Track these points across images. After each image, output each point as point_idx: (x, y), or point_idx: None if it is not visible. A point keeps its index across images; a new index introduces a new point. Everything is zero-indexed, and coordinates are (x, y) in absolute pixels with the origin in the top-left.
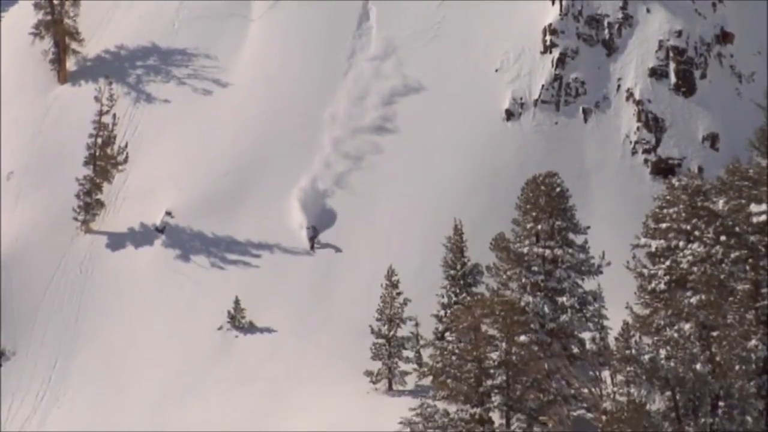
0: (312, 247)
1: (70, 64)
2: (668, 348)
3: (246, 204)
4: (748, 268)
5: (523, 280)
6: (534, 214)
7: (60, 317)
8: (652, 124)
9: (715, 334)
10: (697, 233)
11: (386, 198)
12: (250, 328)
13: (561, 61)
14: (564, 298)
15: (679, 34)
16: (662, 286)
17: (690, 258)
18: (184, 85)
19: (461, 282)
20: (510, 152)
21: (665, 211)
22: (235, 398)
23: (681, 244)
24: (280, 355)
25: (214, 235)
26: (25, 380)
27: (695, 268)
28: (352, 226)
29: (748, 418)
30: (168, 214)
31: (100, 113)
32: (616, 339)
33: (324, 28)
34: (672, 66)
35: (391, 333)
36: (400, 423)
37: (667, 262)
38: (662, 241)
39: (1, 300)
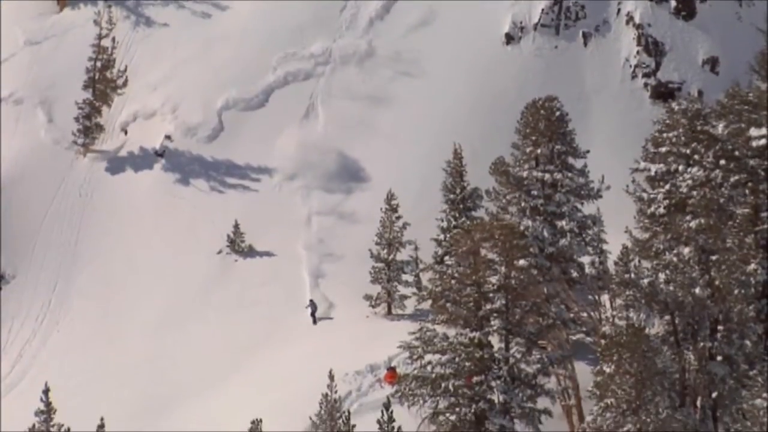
0: (314, 322)
1: None
2: (667, 272)
3: (246, 128)
4: (747, 192)
5: (523, 204)
6: (533, 138)
7: (60, 241)
8: (652, 48)
9: (714, 258)
10: (696, 157)
11: (385, 122)
12: (250, 252)
13: None
14: (563, 222)
15: None
16: (661, 210)
17: (689, 182)
18: (182, 8)
19: (461, 206)
20: (510, 76)
21: (665, 135)
22: (234, 322)
23: (680, 168)
24: (278, 279)
25: (213, 159)
26: (25, 303)
27: (695, 192)
28: (349, 147)
29: (747, 342)
30: (167, 138)
31: (99, 37)
32: (616, 263)
33: None
34: None
35: (391, 257)
36: (399, 347)
37: (667, 186)
38: (662, 165)
39: (0, 223)
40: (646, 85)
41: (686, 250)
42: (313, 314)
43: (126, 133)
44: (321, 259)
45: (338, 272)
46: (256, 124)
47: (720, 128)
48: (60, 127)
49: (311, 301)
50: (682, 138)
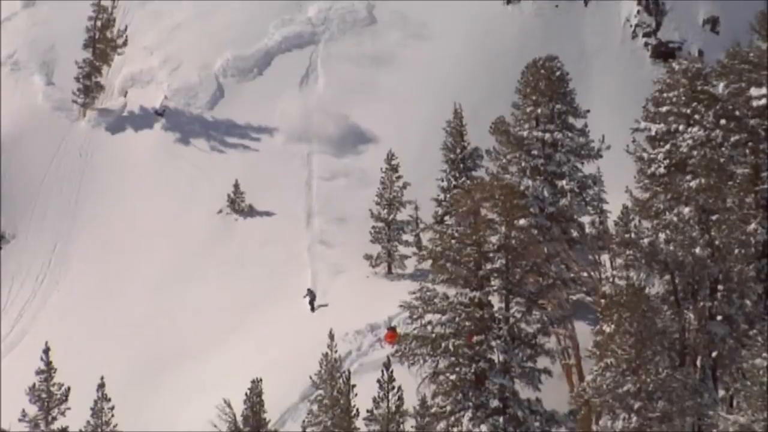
0: (312, 310)
1: None
2: (668, 232)
3: (246, 90)
4: (747, 151)
5: (523, 164)
6: (534, 97)
7: (60, 200)
8: (653, 7)
9: (714, 217)
10: (697, 117)
11: (386, 83)
12: (250, 212)
13: None
14: (564, 182)
15: None
16: (662, 170)
17: (690, 142)
18: None
19: (461, 166)
20: (510, 36)
21: (665, 94)
22: (234, 281)
23: (681, 127)
24: (279, 239)
25: (213, 119)
26: (25, 263)
27: (695, 152)
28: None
29: (747, 302)
30: (167, 98)
31: None
32: (616, 223)
33: None
34: None
35: (391, 217)
36: (400, 306)
37: (667, 146)
38: (662, 125)
39: (0, 183)
40: (646, 44)
41: (686, 210)
42: (311, 302)
43: (126, 93)
44: (321, 218)
45: (338, 232)
46: (256, 85)
47: (720, 88)
48: (60, 87)
49: (309, 290)
50: (683, 98)
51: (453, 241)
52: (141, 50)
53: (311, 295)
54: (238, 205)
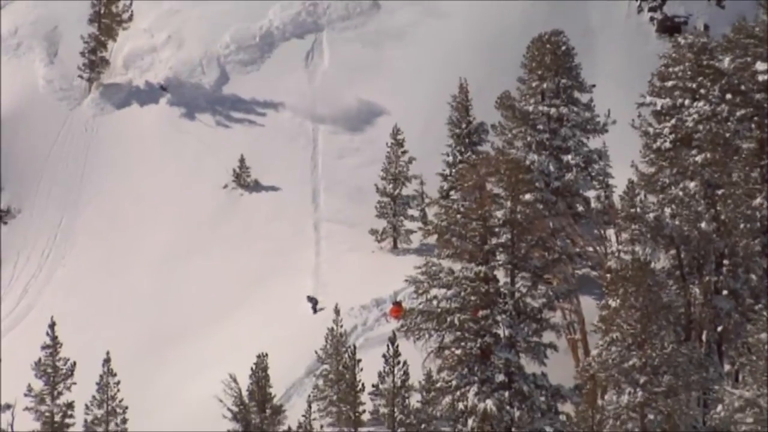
0: (315, 312)
1: None
2: (673, 206)
3: (252, 65)
4: (753, 126)
5: (528, 139)
6: (539, 72)
7: (65, 175)
8: None
9: (720, 192)
10: (702, 91)
11: (391, 59)
12: (255, 187)
13: None
14: (569, 157)
15: None
16: (667, 145)
17: (695, 116)
18: None
19: (466, 140)
20: (516, 11)
21: (671, 69)
22: (239, 256)
23: (686, 102)
24: (284, 213)
25: (219, 94)
26: (30, 238)
27: (700, 127)
28: (356, 82)
29: (753, 276)
30: (172, 72)
31: None
32: (621, 197)
33: None
34: None
35: (396, 191)
36: (405, 281)
37: (673, 121)
38: (668, 100)
39: (4, 158)
40: (652, 19)
41: (692, 185)
42: (313, 307)
43: (130, 69)
44: (327, 193)
45: (344, 207)
46: (262, 62)
47: (726, 62)
48: (65, 63)
49: (309, 297)
50: (688, 72)
51: (458, 216)
52: (142, 32)
53: (313, 301)
54: (243, 180)
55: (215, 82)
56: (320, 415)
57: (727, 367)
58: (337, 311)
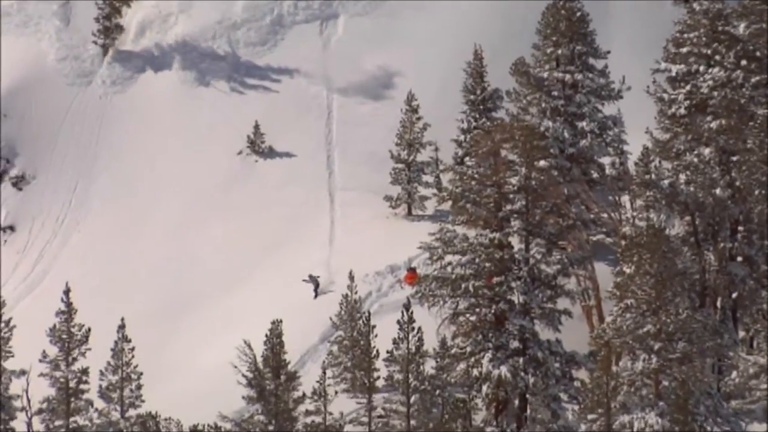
0: (316, 296)
1: None
2: (688, 173)
3: (266, 30)
4: None
5: (543, 105)
6: (554, 38)
7: (80, 141)
8: None
9: (735, 158)
10: (717, 57)
11: (406, 25)
12: (270, 153)
13: None
14: (584, 123)
15: None
16: (682, 111)
17: (710, 82)
18: None
19: (481, 107)
20: None
21: (686, 35)
22: (255, 222)
23: (701, 68)
24: (299, 179)
25: (233, 60)
26: (45, 204)
27: (715, 93)
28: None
29: (767, 243)
30: (185, 37)
31: None
32: (636, 164)
33: None
34: None
35: (411, 158)
36: (420, 248)
37: (688, 87)
38: (683, 66)
39: (17, 123)
40: None
41: (707, 151)
42: (315, 289)
43: (144, 34)
44: (341, 159)
45: (358, 173)
46: (276, 29)
47: (741, 28)
48: (79, 28)
49: (311, 276)
50: (703, 38)
51: (473, 183)
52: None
53: (314, 281)
54: (258, 146)
55: (229, 48)
56: (335, 381)
57: (741, 334)
58: (351, 277)
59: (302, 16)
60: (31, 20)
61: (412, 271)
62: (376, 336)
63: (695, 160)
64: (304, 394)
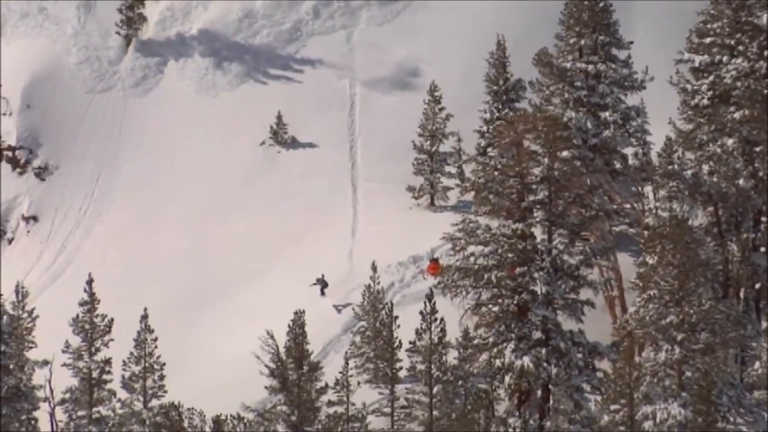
0: (323, 294)
1: None
2: (711, 163)
3: (289, 20)
4: None
5: (566, 96)
6: (577, 29)
7: (102, 132)
8: None
9: (758, 149)
10: (740, 48)
11: (428, 14)
12: (293, 143)
13: None
14: (607, 114)
15: None
16: (705, 102)
17: (733, 73)
18: None
19: (504, 97)
20: None
21: (709, 25)
22: (277, 213)
23: (725, 59)
24: (322, 170)
25: (256, 50)
26: (68, 195)
27: (739, 83)
28: (393, 40)
29: None
30: (208, 27)
31: None
32: (659, 154)
33: None
34: None
35: (434, 148)
36: (442, 238)
37: (711, 77)
38: (706, 56)
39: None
40: None
41: (730, 141)
42: (322, 289)
43: (166, 24)
44: (363, 150)
45: (381, 163)
46: (299, 19)
47: (764, 19)
48: (102, 19)
49: (319, 279)
50: (727, 29)
51: (496, 173)
52: None
53: (322, 283)
54: (280, 136)
55: (252, 39)
56: (357, 371)
57: (764, 324)
58: (374, 268)
59: (326, 7)
60: (53, 11)
61: (434, 261)
62: (398, 326)
63: (718, 150)
64: (326, 385)
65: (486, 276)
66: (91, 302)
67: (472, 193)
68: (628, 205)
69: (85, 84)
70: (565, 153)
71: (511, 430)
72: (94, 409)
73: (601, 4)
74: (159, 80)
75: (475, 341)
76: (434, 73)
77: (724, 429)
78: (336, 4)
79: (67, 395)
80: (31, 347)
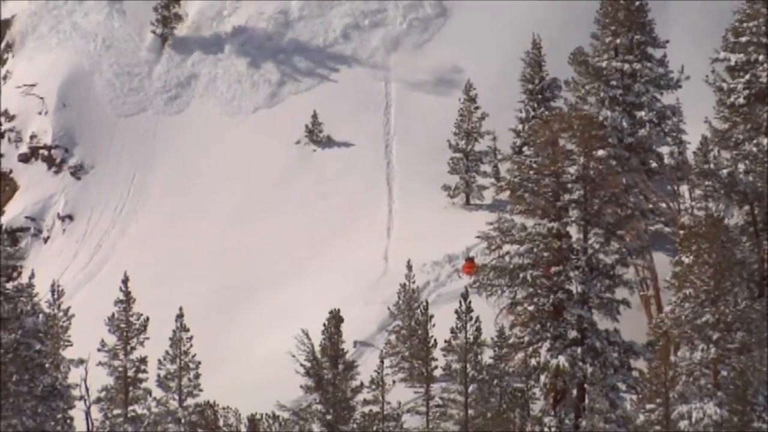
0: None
1: None
2: (747, 162)
3: (325, 20)
4: None
5: (602, 95)
6: (613, 28)
7: (138, 131)
8: None
9: None
10: None
11: (464, 13)
12: (328, 142)
13: None
14: (642, 113)
15: None
16: (741, 101)
17: None
18: None
19: (539, 96)
20: None
21: (745, 24)
22: (312, 212)
23: (761, 57)
24: (357, 169)
25: (291, 48)
26: (103, 194)
27: None
28: (429, 39)
29: None
30: (242, 24)
31: None
32: (695, 153)
33: None
34: None
35: (469, 147)
36: (478, 237)
37: (747, 76)
38: (741, 55)
39: (75, 112)
40: None
41: (766, 141)
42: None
43: (201, 23)
44: (399, 149)
45: (416, 163)
46: (333, 17)
47: None
48: (139, 18)
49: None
50: (763, 28)
51: (531, 172)
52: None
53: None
54: (316, 135)
55: (287, 38)
56: (392, 370)
57: None
58: (409, 267)
59: (361, 7)
60: (89, 11)
61: (470, 260)
62: (434, 325)
63: (754, 149)
64: (361, 384)
65: (521, 275)
66: (126, 301)
67: (508, 192)
68: (663, 204)
69: (121, 83)
70: (600, 152)
71: (546, 429)
72: (130, 408)
73: (637, 3)
74: (195, 80)
75: (511, 340)
76: (470, 73)
77: (759, 428)
78: (372, 4)
79: (103, 394)
80: (66, 346)
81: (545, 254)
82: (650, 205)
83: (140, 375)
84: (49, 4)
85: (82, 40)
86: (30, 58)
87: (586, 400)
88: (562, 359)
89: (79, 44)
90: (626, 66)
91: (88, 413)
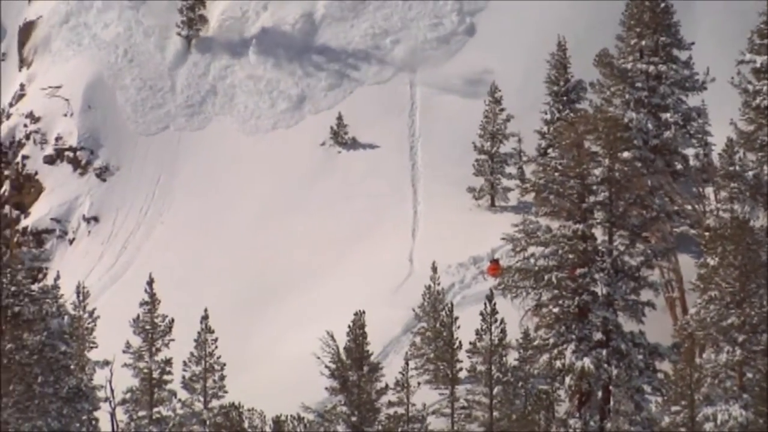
0: None
1: None
2: None
3: (350, 22)
4: None
5: (627, 96)
6: (638, 29)
7: (163, 133)
8: None
9: None
10: None
11: (490, 16)
12: (353, 144)
13: None
14: (668, 115)
15: None
16: (767, 103)
17: None
18: None
19: (564, 98)
20: None
21: None
22: (337, 214)
23: None
24: (382, 171)
25: (316, 51)
26: (129, 195)
27: None
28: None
29: None
30: (267, 25)
31: None
32: (720, 155)
33: None
34: None
35: (494, 149)
36: (503, 239)
37: None
38: (767, 57)
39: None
40: None
41: None
42: None
43: (226, 25)
44: (424, 151)
45: (441, 164)
46: (357, 19)
47: None
48: (163, 20)
49: None
50: None
51: (556, 174)
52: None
53: None
54: (341, 137)
55: (312, 40)
56: (417, 372)
57: None
58: (434, 269)
59: (386, 9)
60: (114, 13)
61: (495, 262)
62: (458, 327)
63: None
64: (386, 385)
65: (546, 277)
66: (151, 302)
67: (533, 193)
68: (689, 206)
69: (145, 84)
70: (625, 154)
71: (571, 431)
72: (155, 410)
73: (662, 5)
74: (219, 81)
75: (536, 342)
76: (495, 75)
77: None
78: (396, 5)
79: (128, 395)
80: (92, 347)
81: (570, 256)
82: (675, 207)
83: (165, 377)
84: (73, 3)
85: (106, 43)
86: (55, 60)
87: (611, 402)
88: (587, 361)
89: (105, 47)
90: (651, 68)
91: (113, 415)
